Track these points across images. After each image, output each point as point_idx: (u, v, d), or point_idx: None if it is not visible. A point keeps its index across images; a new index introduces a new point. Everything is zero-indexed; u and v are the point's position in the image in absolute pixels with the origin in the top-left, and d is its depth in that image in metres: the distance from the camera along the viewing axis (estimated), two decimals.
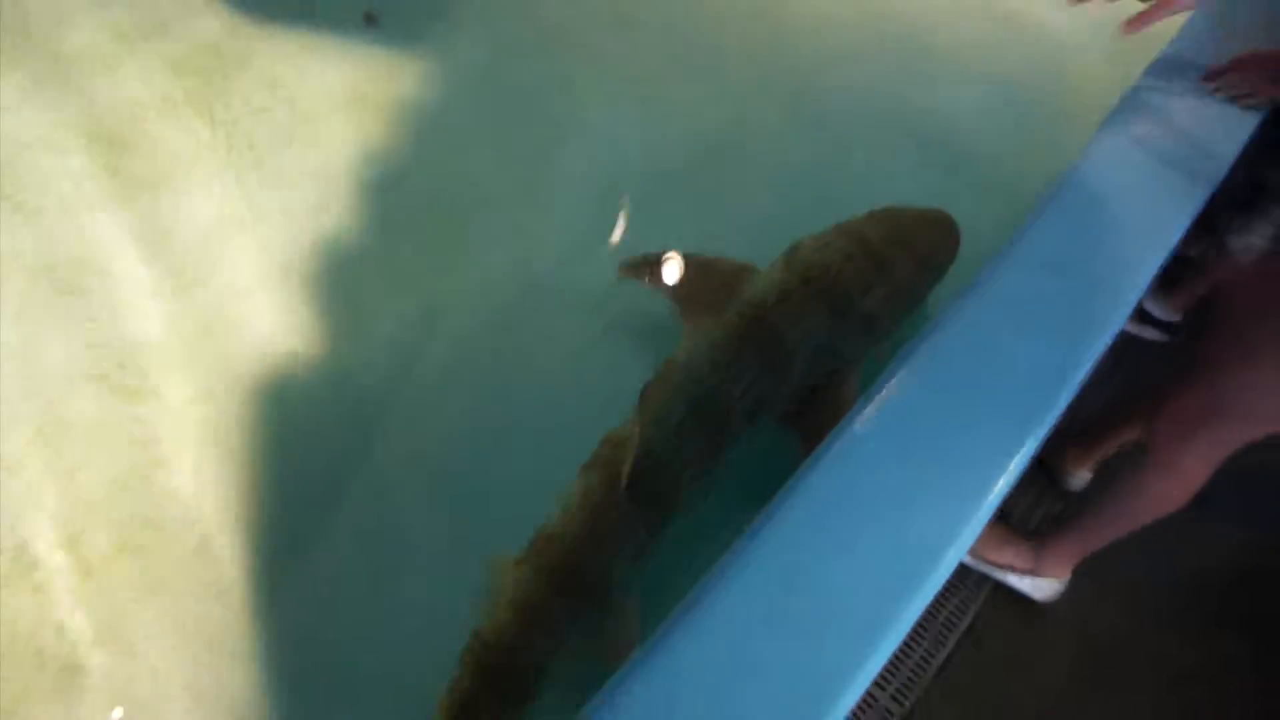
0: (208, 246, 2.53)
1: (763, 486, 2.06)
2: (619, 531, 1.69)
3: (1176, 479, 1.82)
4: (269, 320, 2.42)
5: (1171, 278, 2.56)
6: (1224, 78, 1.83)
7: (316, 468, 2.20)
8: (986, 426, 1.40)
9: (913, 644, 2.14)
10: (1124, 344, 2.68)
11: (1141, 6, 1.73)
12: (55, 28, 2.95)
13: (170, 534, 2.09)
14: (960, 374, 1.47)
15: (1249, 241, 2.38)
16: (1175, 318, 2.67)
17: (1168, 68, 1.96)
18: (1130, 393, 2.48)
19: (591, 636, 1.69)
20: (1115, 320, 1.58)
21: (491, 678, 1.62)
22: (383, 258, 2.53)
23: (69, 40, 2.92)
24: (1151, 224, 1.70)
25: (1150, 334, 2.68)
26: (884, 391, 1.43)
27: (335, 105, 2.80)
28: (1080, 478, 2.38)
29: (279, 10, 2.99)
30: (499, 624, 1.65)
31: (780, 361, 1.83)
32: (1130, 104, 1.90)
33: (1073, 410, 1.53)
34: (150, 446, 2.20)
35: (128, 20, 2.97)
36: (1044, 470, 2.43)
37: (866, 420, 1.40)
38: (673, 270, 2.14)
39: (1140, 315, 2.67)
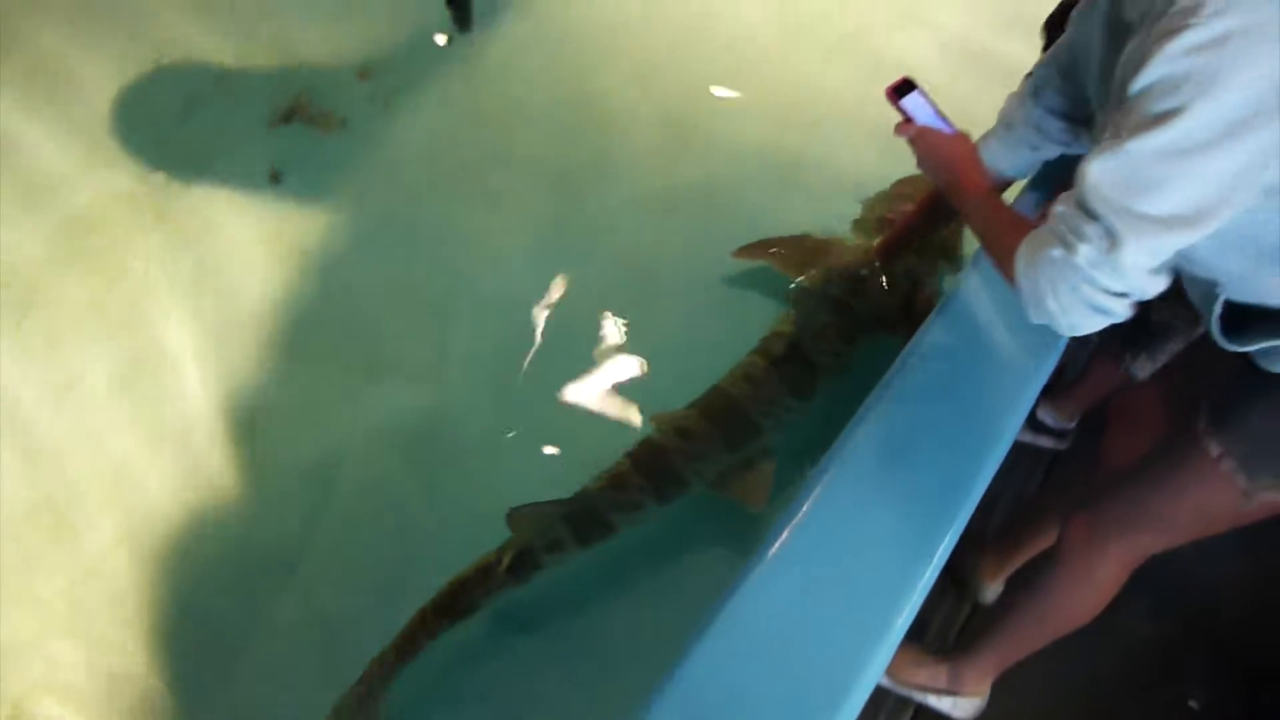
0: (115, 396, 2.53)
1: None
2: (768, 400, 2.28)
3: (1089, 588, 1.81)
4: (176, 468, 2.41)
5: (1060, 386, 2.66)
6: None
7: (225, 615, 2.22)
8: (888, 552, 1.43)
9: None
10: (1022, 454, 2.75)
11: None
12: None
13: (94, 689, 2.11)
14: (857, 502, 1.50)
15: (1148, 368, 2.47)
16: (1069, 425, 2.76)
17: (1045, 180, 1.97)
18: (1037, 502, 2.53)
19: (730, 478, 2.22)
20: (1007, 435, 1.64)
21: (645, 467, 2.18)
22: (290, 405, 2.54)
23: None
24: (1036, 337, 1.75)
25: (1046, 442, 2.76)
26: (787, 528, 1.46)
27: (243, 256, 2.83)
28: (993, 591, 2.40)
29: (187, 164, 3.03)
30: (663, 434, 2.23)
31: (894, 285, 2.49)
32: None
33: (980, 523, 1.56)
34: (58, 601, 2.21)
35: (40, 170, 3.00)
36: (956, 585, 2.45)
37: (770, 557, 1.42)
38: (782, 244, 2.70)
39: (1034, 424, 2.75)
